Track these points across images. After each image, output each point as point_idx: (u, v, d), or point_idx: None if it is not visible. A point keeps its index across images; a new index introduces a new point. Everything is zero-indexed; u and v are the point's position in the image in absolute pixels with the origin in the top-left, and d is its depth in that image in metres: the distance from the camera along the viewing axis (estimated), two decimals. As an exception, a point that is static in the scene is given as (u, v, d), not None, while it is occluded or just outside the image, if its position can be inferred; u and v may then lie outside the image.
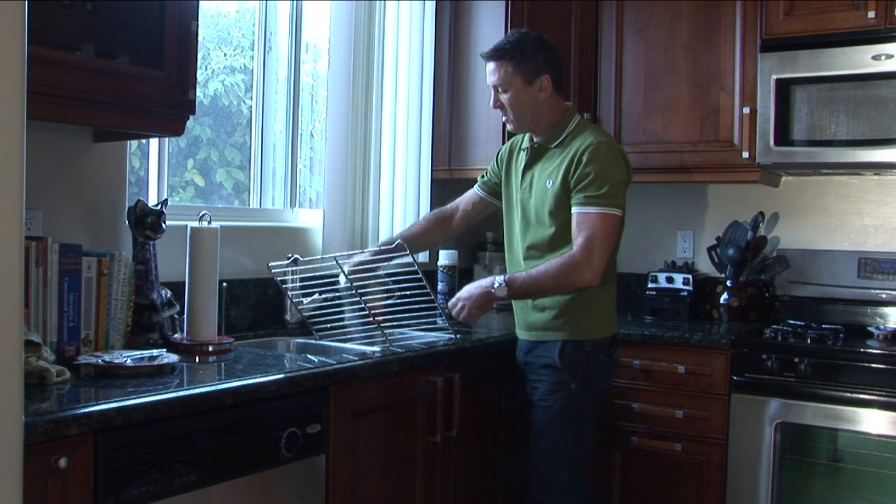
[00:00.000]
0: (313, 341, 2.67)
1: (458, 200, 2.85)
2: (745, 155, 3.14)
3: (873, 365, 2.65)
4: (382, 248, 2.70)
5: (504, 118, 2.59)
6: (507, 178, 2.68)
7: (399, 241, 2.63)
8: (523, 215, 2.58)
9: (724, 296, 3.33)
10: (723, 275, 3.40)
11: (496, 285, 2.43)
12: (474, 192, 2.82)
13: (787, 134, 3.03)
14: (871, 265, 3.19)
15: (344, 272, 2.58)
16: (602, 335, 2.52)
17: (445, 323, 2.69)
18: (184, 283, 2.36)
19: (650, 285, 3.48)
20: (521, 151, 2.63)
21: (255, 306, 2.83)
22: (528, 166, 2.58)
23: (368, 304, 2.61)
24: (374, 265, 2.64)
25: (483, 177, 2.81)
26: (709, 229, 3.56)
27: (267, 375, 1.99)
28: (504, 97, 2.52)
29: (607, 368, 2.56)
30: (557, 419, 2.49)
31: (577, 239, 2.39)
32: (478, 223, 2.95)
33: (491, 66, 2.53)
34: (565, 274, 2.37)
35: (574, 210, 2.43)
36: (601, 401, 2.62)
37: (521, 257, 2.58)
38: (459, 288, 3.43)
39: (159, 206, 2.30)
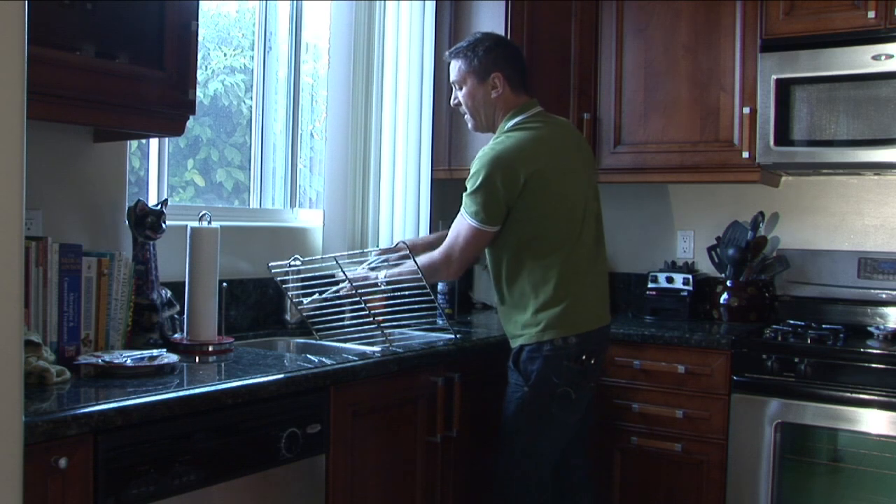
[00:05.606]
0: (313, 341, 2.67)
1: None
2: (745, 155, 3.14)
3: (873, 365, 2.65)
4: (385, 250, 2.70)
5: (465, 116, 2.64)
6: None
7: (400, 241, 2.63)
8: None
9: (724, 296, 3.33)
10: (723, 275, 3.40)
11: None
12: None
13: (787, 134, 3.02)
14: (871, 265, 3.19)
15: (344, 272, 2.58)
16: (563, 334, 2.37)
17: (445, 323, 2.69)
18: (184, 283, 2.36)
19: (650, 285, 3.48)
20: None
21: (255, 306, 2.83)
22: None
23: (368, 304, 2.62)
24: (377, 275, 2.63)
25: None
26: (709, 229, 3.55)
27: (267, 375, 1.99)
28: (459, 94, 2.59)
29: (578, 375, 2.39)
30: (510, 420, 2.45)
31: (446, 240, 2.52)
32: None
33: (451, 64, 2.60)
34: (429, 274, 2.53)
35: None
36: (576, 410, 2.45)
37: None
38: (459, 288, 3.45)
39: (159, 206, 2.30)
